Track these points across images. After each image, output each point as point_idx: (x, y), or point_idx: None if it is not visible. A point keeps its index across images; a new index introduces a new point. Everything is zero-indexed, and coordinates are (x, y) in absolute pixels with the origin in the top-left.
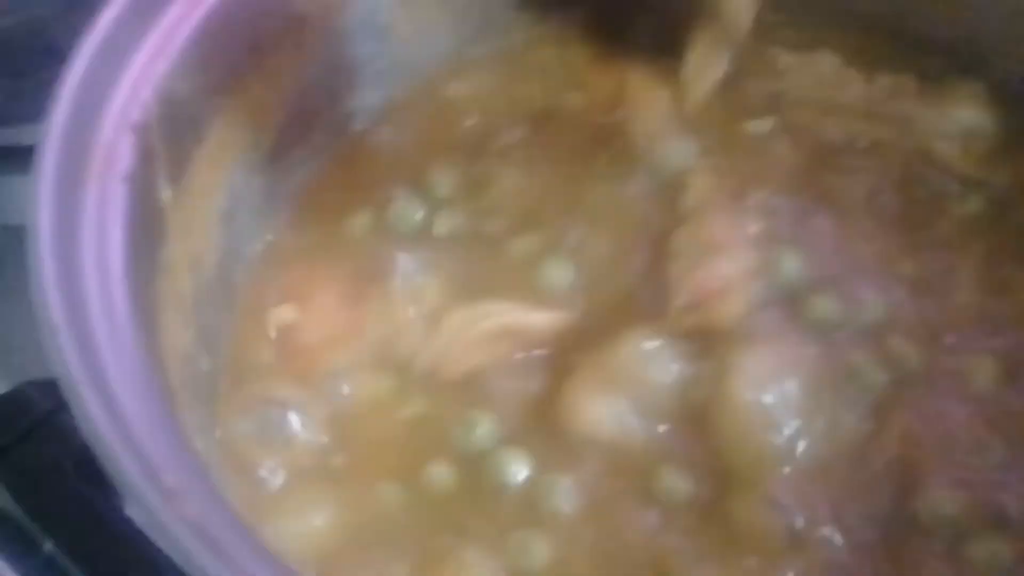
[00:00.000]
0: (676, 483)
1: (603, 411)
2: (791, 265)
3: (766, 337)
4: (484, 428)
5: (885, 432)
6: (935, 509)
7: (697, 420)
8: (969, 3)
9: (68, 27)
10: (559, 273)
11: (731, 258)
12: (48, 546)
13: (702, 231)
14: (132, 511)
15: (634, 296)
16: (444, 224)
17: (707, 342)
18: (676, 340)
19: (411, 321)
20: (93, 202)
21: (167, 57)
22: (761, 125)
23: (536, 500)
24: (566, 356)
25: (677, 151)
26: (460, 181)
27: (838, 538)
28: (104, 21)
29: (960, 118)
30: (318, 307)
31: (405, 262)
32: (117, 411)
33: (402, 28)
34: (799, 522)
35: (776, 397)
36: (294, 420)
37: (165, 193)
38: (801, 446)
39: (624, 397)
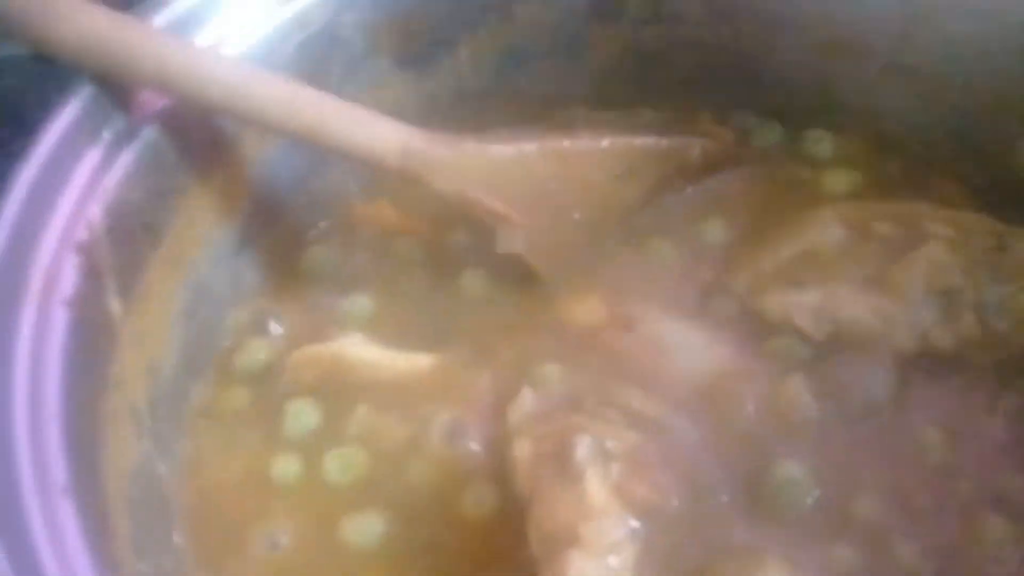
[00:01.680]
0: None
1: None
2: None
3: None
4: None
5: None
6: None
7: None
8: None
9: (39, 100)
10: None
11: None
12: None
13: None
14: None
15: None
16: None
17: None
18: None
19: None
20: (29, 329)
21: (118, 166)
22: None
23: None
24: None
25: None
26: None
27: None
28: (50, 133)
29: None
30: None
31: None
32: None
33: None
34: None
35: None
36: None
37: (114, 307)
38: None
39: None
